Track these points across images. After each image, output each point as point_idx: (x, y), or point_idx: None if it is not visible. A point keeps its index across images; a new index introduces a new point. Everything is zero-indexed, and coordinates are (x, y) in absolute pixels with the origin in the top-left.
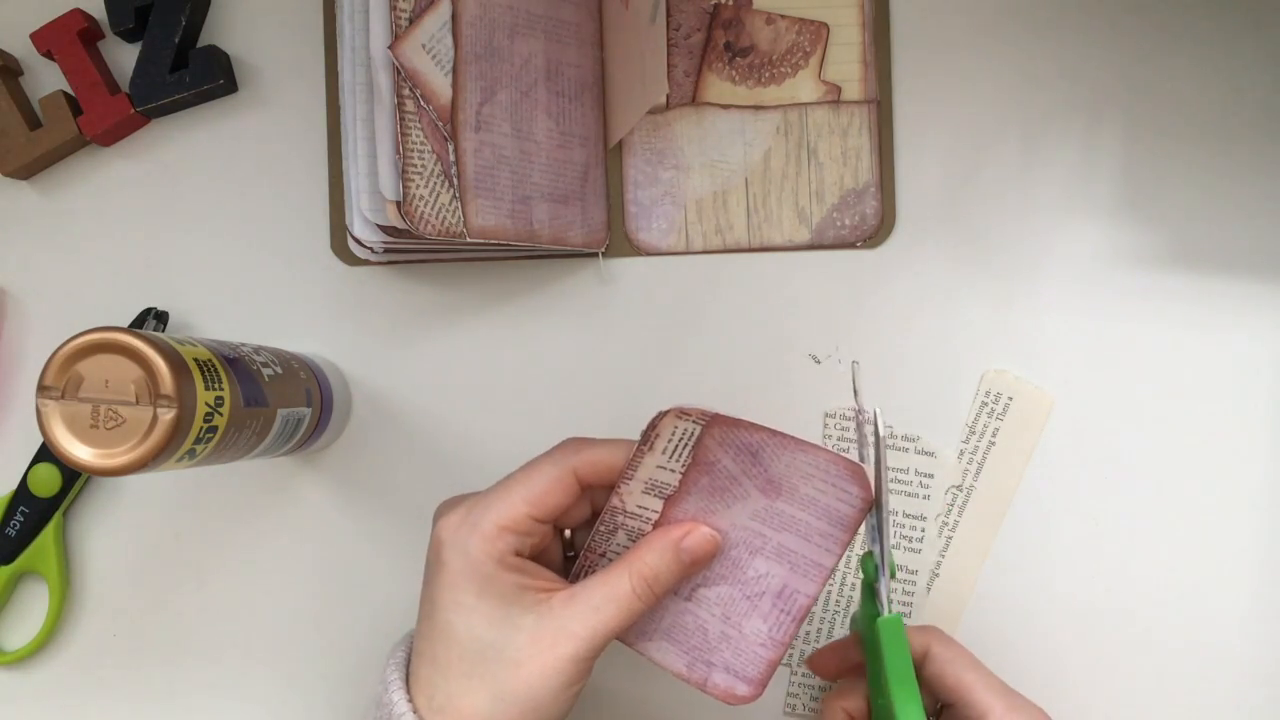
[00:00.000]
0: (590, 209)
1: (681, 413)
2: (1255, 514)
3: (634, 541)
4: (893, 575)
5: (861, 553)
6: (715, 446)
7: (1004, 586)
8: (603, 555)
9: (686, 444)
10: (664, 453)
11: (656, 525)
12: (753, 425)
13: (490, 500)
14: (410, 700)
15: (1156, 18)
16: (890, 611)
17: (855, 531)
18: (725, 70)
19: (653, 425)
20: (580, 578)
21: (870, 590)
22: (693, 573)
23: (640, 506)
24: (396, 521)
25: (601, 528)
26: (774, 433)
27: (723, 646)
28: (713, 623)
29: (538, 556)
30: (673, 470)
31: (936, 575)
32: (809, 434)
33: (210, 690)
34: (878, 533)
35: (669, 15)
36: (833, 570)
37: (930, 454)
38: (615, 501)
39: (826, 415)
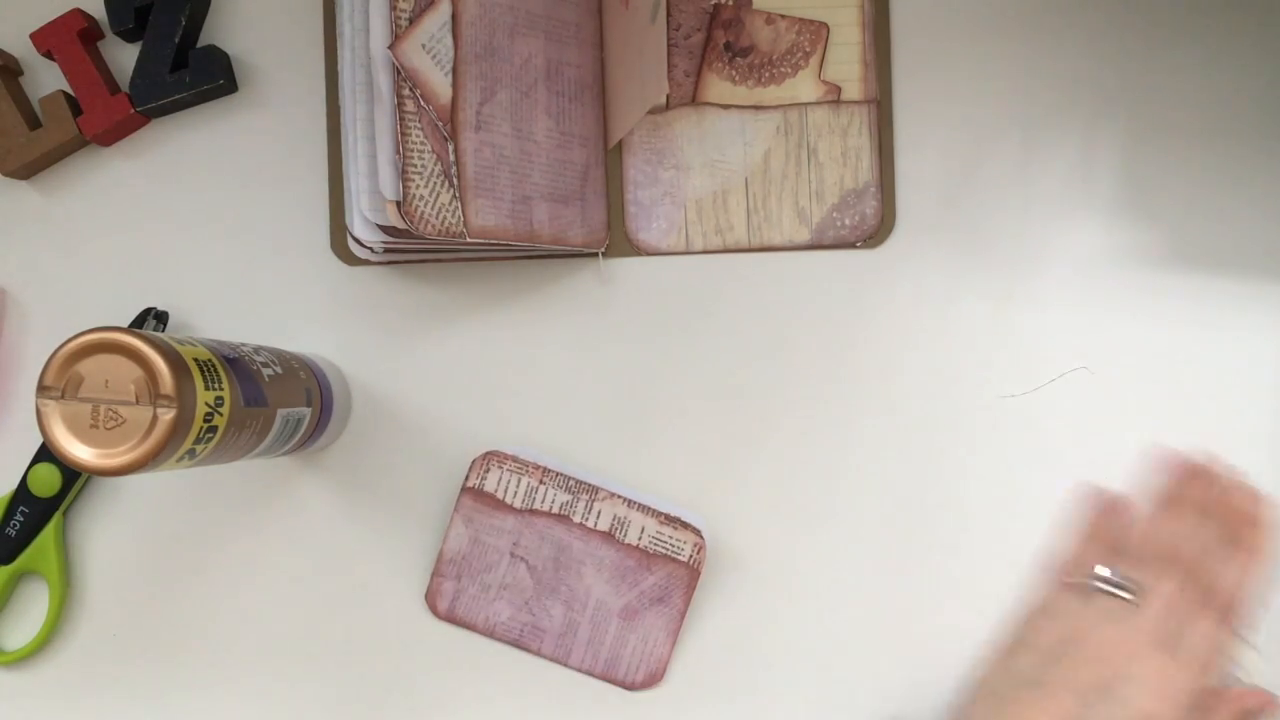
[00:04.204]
0: (590, 209)
1: None
2: None
3: None
4: None
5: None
6: None
7: (1005, 586)
8: None
9: None
10: None
11: None
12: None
13: None
14: None
15: (1157, 17)
16: None
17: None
18: (725, 70)
19: None
20: None
21: None
22: None
23: None
24: (397, 521)
25: None
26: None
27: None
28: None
29: None
30: None
31: None
32: (809, 434)
33: (210, 690)
34: None
35: (669, 15)
36: None
37: None
38: None
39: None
